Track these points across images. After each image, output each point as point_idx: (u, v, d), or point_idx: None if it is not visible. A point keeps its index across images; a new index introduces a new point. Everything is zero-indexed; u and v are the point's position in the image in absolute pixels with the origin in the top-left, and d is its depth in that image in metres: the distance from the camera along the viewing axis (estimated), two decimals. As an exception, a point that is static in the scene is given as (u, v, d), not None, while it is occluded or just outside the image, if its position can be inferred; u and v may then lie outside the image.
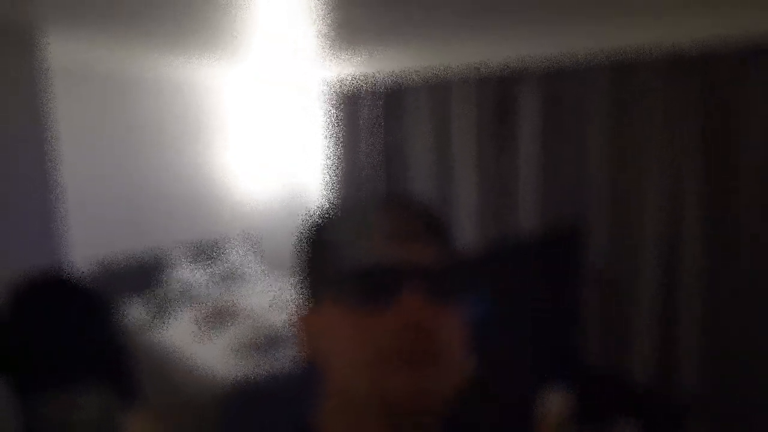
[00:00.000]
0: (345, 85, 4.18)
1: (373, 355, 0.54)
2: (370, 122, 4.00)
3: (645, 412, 2.33)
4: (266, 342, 3.25)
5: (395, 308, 0.55)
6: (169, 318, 3.70)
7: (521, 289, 2.17)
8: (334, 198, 4.36)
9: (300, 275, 0.66)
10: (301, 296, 0.65)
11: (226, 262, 4.36)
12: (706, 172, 2.47)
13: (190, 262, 4.20)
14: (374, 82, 3.93)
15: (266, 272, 4.56)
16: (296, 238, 4.76)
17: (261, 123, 4.76)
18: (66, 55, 3.43)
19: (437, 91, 3.55)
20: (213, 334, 3.44)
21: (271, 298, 4.02)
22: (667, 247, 2.60)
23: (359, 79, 4.06)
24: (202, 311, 3.74)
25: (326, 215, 0.65)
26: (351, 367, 0.56)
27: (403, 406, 0.54)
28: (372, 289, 0.56)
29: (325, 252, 0.62)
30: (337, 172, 4.32)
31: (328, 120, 4.40)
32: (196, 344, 3.32)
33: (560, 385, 2.23)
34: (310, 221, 0.66)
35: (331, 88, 4.32)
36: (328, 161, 4.45)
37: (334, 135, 4.31)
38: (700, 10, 2.36)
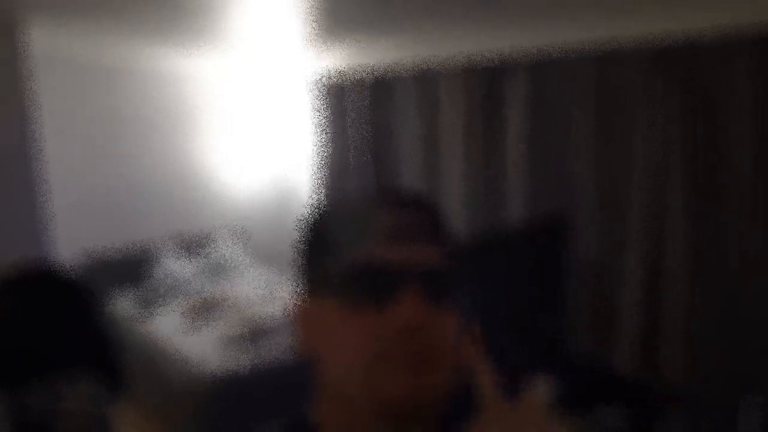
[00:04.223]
0: (332, 76, 4.17)
1: (368, 353, 0.55)
2: (357, 114, 3.99)
3: (631, 401, 2.36)
4: (254, 334, 3.25)
5: (392, 307, 0.55)
6: (158, 310, 3.69)
7: (508, 281, 2.18)
8: (322, 190, 4.35)
9: (297, 272, 0.65)
10: (297, 292, 0.65)
11: (214, 254, 4.35)
12: (692, 164, 2.49)
13: (178, 254, 4.18)
14: (362, 73, 3.92)
15: (254, 264, 4.55)
16: (285, 230, 4.75)
17: (248, 114, 4.73)
18: (51, 46, 3.39)
19: (425, 82, 3.55)
20: (201, 326, 3.44)
21: (260, 290, 4.01)
22: (654, 238, 2.63)
23: (347, 70, 4.05)
24: (191, 303, 3.74)
25: (323, 211, 0.64)
26: (346, 364, 0.56)
27: (398, 405, 0.54)
28: (369, 287, 0.56)
29: (323, 249, 0.61)
30: (324, 163, 4.31)
31: (315, 111, 4.39)
32: (184, 336, 3.32)
33: (547, 375, 2.26)
34: (307, 217, 0.65)
35: (318, 80, 4.31)
36: (315, 153, 4.45)
37: (322, 127, 4.29)
38: (690, 1, 2.37)
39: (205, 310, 3.63)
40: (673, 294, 2.56)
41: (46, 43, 3.24)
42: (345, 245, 0.58)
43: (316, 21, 2.84)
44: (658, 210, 2.61)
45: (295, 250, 0.65)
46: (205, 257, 4.30)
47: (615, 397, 2.36)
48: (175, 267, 4.07)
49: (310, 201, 4.56)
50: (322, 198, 4.32)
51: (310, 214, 0.65)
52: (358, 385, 0.55)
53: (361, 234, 0.58)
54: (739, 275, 2.40)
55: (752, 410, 2.34)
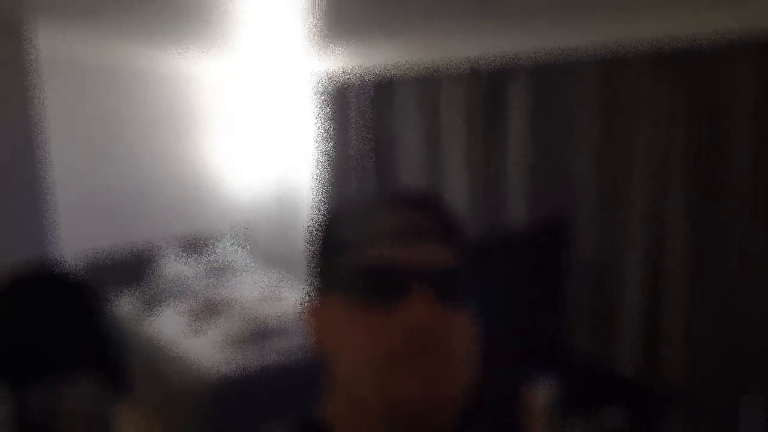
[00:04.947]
0: (335, 78, 4.17)
1: (379, 354, 0.54)
2: (360, 116, 4.00)
3: (631, 401, 2.36)
4: (257, 335, 3.26)
5: (403, 308, 0.54)
6: (160, 311, 3.69)
7: (509, 282, 2.19)
8: (324, 191, 4.35)
9: (307, 271, 0.65)
10: (307, 292, 0.65)
11: (217, 255, 4.35)
12: (692, 165, 2.50)
13: (181, 255, 4.18)
14: (365, 75, 3.92)
15: (257, 265, 4.56)
16: (287, 231, 4.76)
17: (251, 115, 4.74)
18: (53, 46, 3.39)
19: (427, 84, 3.56)
20: (204, 327, 3.44)
21: (262, 290, 4.02)
22: (654, 240, 2.64)
23: (349, 72, 4.06)
24: (193, 304, 3.74)
25: (334, 211, 0.65)
26: (356, 365, 0.56)
27: (408, 407, 0.53)
28: (380, 287, 0.56)
29: (333, 248, 0.61)
30: (326, 164, 4.31)
31: (318, 113, 4.39)
32: (187, 337, 3.32)
33: (548, 376, 2.26)
34: (318, 217, 0.65)
35: (321, 82, 4.31)
36: (317, 154, 4.45)
37: (325, 128, 4.30)
38: (692, 5, 2.38)
39: (207, 310, 3.64)
40: (673, 294, 2.56)
41: (49, 44, 3.24)
42: (356, 245, 0.58)
43: (318, 22, 2.85)
44: (658, 210, 2.61)
45: (306, 249, 0.66)
46: (207, 258, 4.30)
47: (615, 397, 2.37)
48: (176, 267, 4.07)
49: (313, 202, 4.57)
50: (324, 199, 4.32)
51: (321, 213, 0.65)
52: (368, 385, 0.55)
53: (372, 234, 0.58)
54: (739, 275, 2.40)
55: (752, 410, 2.34)
